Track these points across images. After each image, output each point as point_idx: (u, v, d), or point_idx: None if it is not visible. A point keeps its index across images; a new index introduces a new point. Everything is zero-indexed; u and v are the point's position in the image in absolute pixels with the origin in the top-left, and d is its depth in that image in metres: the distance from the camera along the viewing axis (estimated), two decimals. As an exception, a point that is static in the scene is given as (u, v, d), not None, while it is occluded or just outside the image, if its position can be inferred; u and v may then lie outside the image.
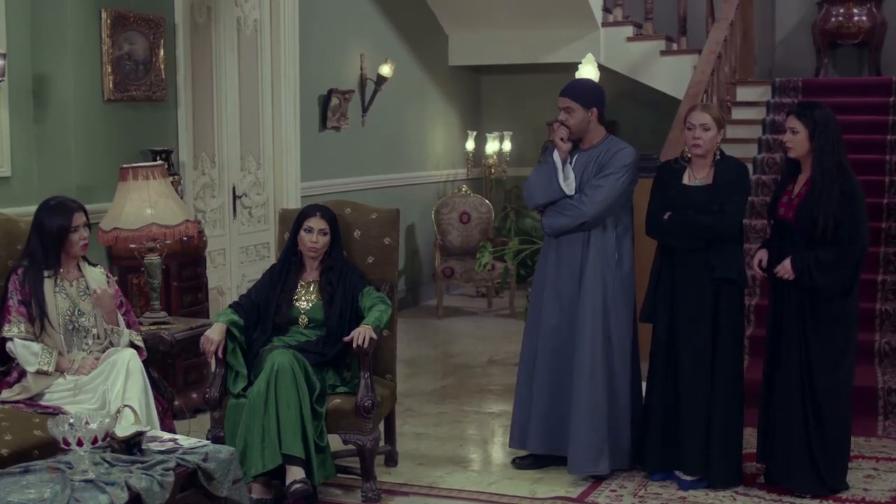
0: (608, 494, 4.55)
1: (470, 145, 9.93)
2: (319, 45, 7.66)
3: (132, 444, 3.54)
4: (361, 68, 8.30)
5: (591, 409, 4.63)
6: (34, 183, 5.36)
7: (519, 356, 4.99)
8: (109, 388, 4.12)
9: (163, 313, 5.05)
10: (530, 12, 9.00)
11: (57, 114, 5.38)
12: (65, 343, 4.29)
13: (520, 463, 4.94)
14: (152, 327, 4.89)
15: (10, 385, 4.22)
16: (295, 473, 4.22)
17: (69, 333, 4.31)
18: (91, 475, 3.30)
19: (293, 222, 4.67)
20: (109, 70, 5.52)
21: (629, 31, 9.04)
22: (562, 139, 4.69)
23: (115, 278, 4.65)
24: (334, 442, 4.50)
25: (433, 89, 9.60)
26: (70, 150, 5.41)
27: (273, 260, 5.83)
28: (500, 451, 5.26)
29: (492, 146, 9.81)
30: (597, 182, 4.64)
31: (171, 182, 5.37)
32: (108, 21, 5.49)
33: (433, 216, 9.17)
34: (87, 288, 4.37)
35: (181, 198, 5.62)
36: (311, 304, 4.59)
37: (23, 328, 4.19)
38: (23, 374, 4.22)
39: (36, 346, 4.19)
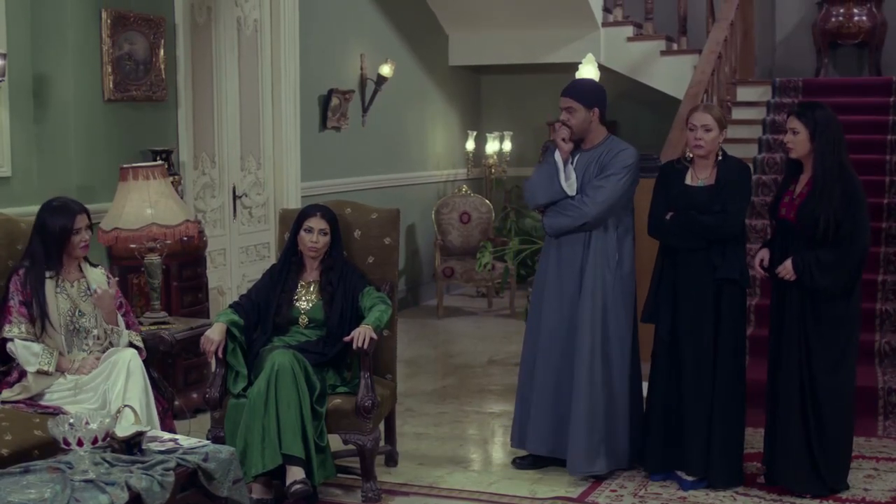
0: (608, 494, 4.55)
1: (470, 145, 9.94)
2: (319, 45, 7.66)
3: (132, 444, 3.54)
4: (361, 68, 8.30)
5: (589, 410, 4.63)
6: (34, 183, 5.36)
7: (520, 356, 4.98)
8: (110, 388, 4.12)
9: (163, 313, 5.05)
10: (530, 12, 9.00)
11: (57, 114, 5.38)
12: (65, 344, 4.29)
13: (520, 463, 4.94)
14: (152, 327, 4.89)
15: (11, 385, 4.22)
16: (295, 473, 4.22)
17: (70, 334, 4.31)
18: (91, 475, 3.30)
19: (293, 222, 4.67)
20: (110, 70, 5.52)
21: (629, 31, 9.04)
22: (563, 139, 4.69)
23: (117, 279, 4.64)
24: (334, 442, 4.50)
25: (433, 89, 9.60)
26: (70, 150, 5.41)
27: (273, 260, 5.83)
28: (500, 451, 5.26)
29: (492, 146, 9.81)
30: (598, 182, 4.64)
31: (172, 182, 5.37)
32: (109, 21, 5.49)
33: (433, 216, 9.17)
34: (88, 288, 4.38)
35: (181, 198, 5.63)
36: (311, 304, 4.59)
37: (23, 328, 4.19)
38: (23, 373, 4.21)
39: (36, 347, 4.19)
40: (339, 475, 4.56)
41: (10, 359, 4.25)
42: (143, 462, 3.44)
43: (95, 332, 4.35)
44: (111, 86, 5.53)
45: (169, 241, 5.02)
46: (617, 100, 8.89)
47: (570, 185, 4.69)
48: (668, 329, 4.60)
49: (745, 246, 4.66)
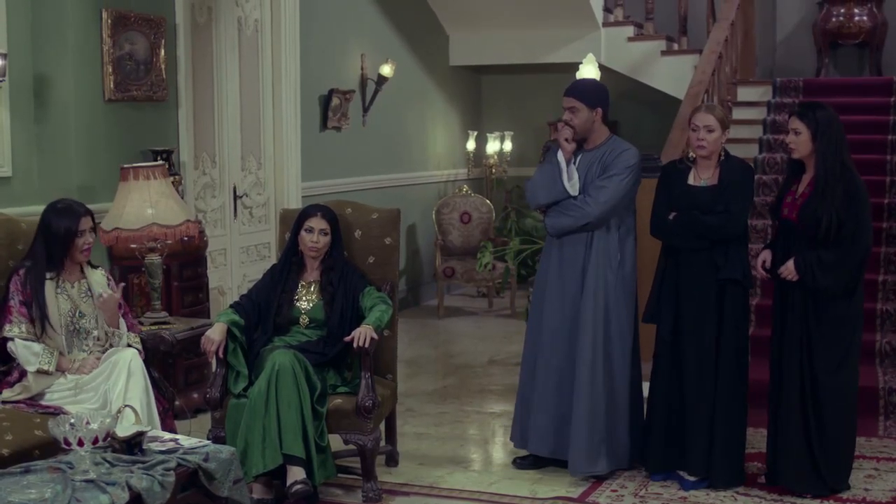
0: (609, 494, 4.55)
1: (471, 145, 9.93)
2: (320, 45, 7.66)
3: (133, 444, 3.54)
4: (362, 68, 8.30)
5: (590, 410, 4.63)
6: (35, 183, 5.36)
7: (520, 356, 4.98)
8: (111, 388, 4.12)
9: (163, 313, 5.06)
10: (531, 12, 9.00)
11: (58, 114, 5.38)
12: (66, 344, 4.29)
13: (520, 463, 4.94)
14: (153, 327, 4.89)
15: (11, 385, 4.22)
16: (296, 473, 4.22)
17: (70, 335, 4.31)
18: (92, 475, 3.30)
19: (294, 222, 4.67)
20: (110, 70, 5.52)
21: (630, 31, 9.04)
22: (566, 139, 4.68)
23: (123, 284, 4.63)
24: (335, 442, 4.50)
25: (434, 89, 9.60)
26: (71, 150, 5.41)
27: (274, 260, 5.83)
28: (500, 451, 5.26)
29: (492, 146, 9.81)
30: (601, 183, 4.63)
31: (172, 182, 5.37)
32: (109, 21, 5.49)
33: (434, 216, 9.17)
34: (89, 290, 4.38)
35: (182, 198, 5.63)
36: (311, 304, 4.59)
37: (24, 328, 4.19)
38: (24, 373, 4.22)
39: (37, 347, 4.19)
40: (339, 475, 4.56)
41: (10, 359, 4.26)
42: (143, 462, 3.44)
43: (96, 332, 4.35)
44: (112, 86, 5.53)
45: (169, 241, 5.02)
46: (617, 100, 8.85)
47: (572, 185, 4.69)
48: (671, 329, 4.60)
49: (747, 246, 4.66)
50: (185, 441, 3.74)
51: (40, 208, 4.94)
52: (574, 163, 4.71)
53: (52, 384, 4.20)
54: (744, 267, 4.53)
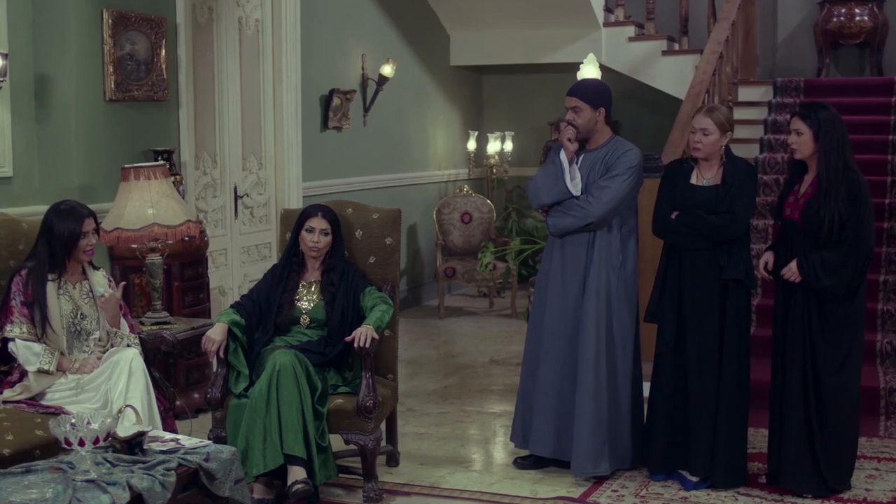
0: (609, 494, 4.55)
1: (471, 145, 9.93)
2: (321, 45, 7.66)
3: (134, 444, 3.54)
4: (363, 68, 8.30)
5: (594, 410, 4.63)
6: (36, 183, 5.36)
7: (521, 356, 4.98)
8: (112, 388, 4.12)
9: (164, 313, 5.06)
10: (532, 12, 9.00)
11: (58, 114, 5.38)
12: (67, 345, 4.29)
13: (521, 463, 4.94)
14: (154, 327, 4.89)
15: (12, 384, 4.22)
16: (296, 473, 4.22)
17: (71, 336, 4.31)
18: (93, 475, 3.30)
19: (295, 222, 4.67)
20: (111, 70, 5.52)
21: (631, 31, 9.04)
22: (569, 139, 4.68)
23: (123, 283, 4.64)
24: (336, 442, 4.50)
25: (435, 89, 9.60)
26: (72, 151, 5.41)
27: (275, 260, 5.83)
28: (501, 451, 5.26)
29: (493, 146, 9.81)
30: (603, 183, 4.63)
31: (173, 182, 5.37)
32: (110, 21, 5.49)
33: (435, 216, 9.17)
34: (91, 291, 4.38)
35: (183, 198, 5.63)
36: (312, 304, 4.59)
37: (25, 329, 4.20)
38: (24, 373, 4.22)
39: (38, 347, 4.19)
40: (340, 475, 4.56)
41: (11, 359, 4.26)
42: (144, 462, 3.45)
43: (97, 333, 4.35)
44: (112, 86, 5.53)
45: (170, 241, 5.02)
46: (618, 100, 8.75)
47: (575, 184, 4.68)
48: (673, 329, 4.59)
49: (749, 246, 4.66)
50: (186, 441, 3.74)
51: (41, 208, 4.94)
52: (576, 163, 4.71)
53: (52, 384, 4.21)
54: (746, 267, 4.53)
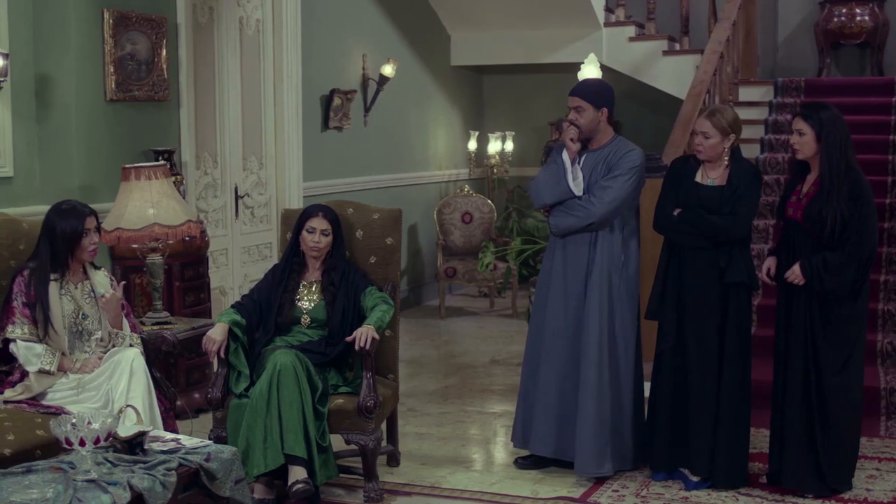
0: (610, 495, 4.55)
1: (472, 145, 9.93)
2: (321, 45, 7.66)
3: (135, 444, 3.54)
4: (363, 68, 8.30)
5: (598, 410, 4.62)
6: (36, 183, 5.37)
7: (522, 356, 4.98)
8: (113, 388, 4.12)
9: (165, 313, 5.06)
10: (532, 12, 9.00)
11: (59, 114, 5.38)
12: (68, 346, 4.29)
13: (522, 463, 4.94)
14: (154, 327, 4.89)
15: (13, 385, 4.22)
16: (297, 473, 4.22)
17: (73, 336, 4.31)
18: (93, 475, 3.30)
19: (295, 222, 4.67)
20: (112, 70, 5.52)
21: (631, 30, 9.04)
22: (572, 139, 4.68)
23: (123, 283, 4.64)
24: (336, 442, 4.50)
25: (435, 89, 9.60)
26: (72, 151, 5.41)
27: (275, 260, 5.83)
28: (502, 451, 5.26)
29: (494, 146, 9.81)
30: (605, 183, 4.63)
31: (174, 182, 5.37)
32: (111, 21, 5.49)
33: (435, 216, 9.17)
34: (92, 291, 4.38)
35: (183, 198, 5.63)
36: (313, 304, 4.59)
37: (26, 329, 4.20)
38: (25, 373, 4.22)
39: (39, 348, 4.19)
40: (341, 475, 4.56)
41: (12, 359, 4.26)
42: (145, 462, 3.45)
43: (99, 334, 4.35)
44: (113, 86, 5.53)
45: (171, 241, 5.02)
46: (619, 100, 8.71)
47: (577, 184, 4.68)
48: (674, 328, 4.59)
49: (750, 248, 4.66)
50: (187, 441, 3.74)
51: (42, 208, 4.94)
52: (578, 163, 4.71)
53: (53, 384, 4.21)
54: (748, 269, 4.53)
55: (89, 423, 3.35)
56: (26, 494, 3.17)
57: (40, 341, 4.20)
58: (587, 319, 4.66)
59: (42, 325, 4.20)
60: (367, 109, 8.37)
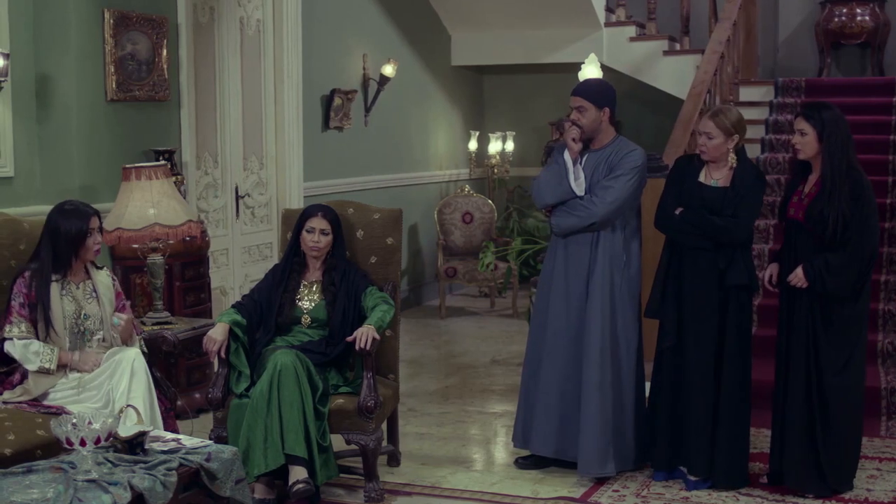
0: (611, 495, 4.55)
1: (472, 145, 9.93)
2: (322, 45, 7.66)
3: (135, 444, 3.54)
4: (364, 68, 8.30)
5: (599, 411, 4.62)
6: (37, 183, 5.37)
7: (523, 356, 4.98)
8: (114, 387, 4.12)
9: (165, 313, 5.06)
10: (533, 12, 9.00)
11: (60, 114, 5.38)
12: (70, 346, 4.28)
13: (522, 463, 4.94)
14: (155, 327, 4.90)
15: (13, 386, 4.22)
16: (298, 473, 4.22)
17: (74, 337, 4.30)
18: (94, 475, 3.30)
19: (295, 222, 4.67)
20: (112, 70, 5.52)
21: (632, 30, 9.04)
22: (574, 139, 4.68)
23: (128, 302, 4.62)
24: (337, 442, 4.50)
25: (436, 89, 9.60)
26: (73, 151, 5.41)
27: (276, 260, 5.83)
28: (502, 451, 5.26)
29: (494, 146, 9.81)
30: (607, 183, 4.63)
31: (174, 182, 5.37)
32: (111, 21, 5.49)
33: (436, 216, 9.17)
34: (94, 290, 4.38)
35: (184, 198, 5.63)
36: (313, 304, 4.59)
37: (23, 327, 4.19)
38: (25, 376, 4.21)
39: (36, 345, 4.18)
40: (341, 475, 4.56)
41: (12, 360, 4.25)
42: (145, 462, 3.45)
43: (100, 334, 4.34)
44: (114, 86, 5.53)
45: (171, 241, 5.02)
46: (619, 100, 8.75)
47: (578, 184, 4.68)
48: (674, 329, 4.58)
49: (751, 250, 4.65)
50: (188, 441, 3.74)
51: (42, 208, 4.95)
52: (580, 163, 4.71)
53: (53, 384, 4.20)
54: (749, 271, 4.52)
55: (90, 423, 3.35)
56: (27, 494, 3.17)
57: (37, 338, 4.19)
58: (589, 319, 4.66)
59: (43, 327, 4.20)
60: (367, 109, 8.37)
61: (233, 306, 4.60)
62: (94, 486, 3.25)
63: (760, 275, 4.83)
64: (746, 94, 8.44)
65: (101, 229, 4.39)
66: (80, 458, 3.35)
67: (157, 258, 5.00)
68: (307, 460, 4.23)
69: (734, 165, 4.54)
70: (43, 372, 4.18)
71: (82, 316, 4.32)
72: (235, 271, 6.79)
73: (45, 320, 4.20)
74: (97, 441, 3.35)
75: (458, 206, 9.20)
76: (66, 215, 4.28)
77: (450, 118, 9.90)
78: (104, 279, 4.44)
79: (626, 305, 4.70)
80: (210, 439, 4.17)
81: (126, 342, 4.36)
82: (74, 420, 3.37)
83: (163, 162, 5.45)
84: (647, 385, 4.78)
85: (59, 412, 3.95)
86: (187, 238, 5.18)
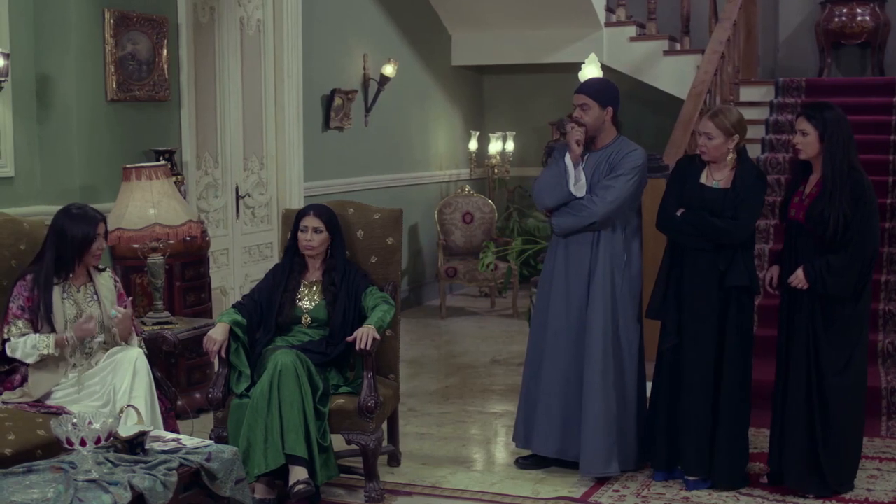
0: (611, 495, 4.55)
1: (473, 145, 9.93)
2: (322, 45, 7.66)
3: (135, 444, 3.55)
4: (364, 68, 8.30)
5: (603, 410, 4.62)
6: (37, 183, 5.37)
7: (523, 356, 4.98)
8: (116, 387, 4.12)
9: (166, 313, 5.06)
10: (533, 12, 9.00)
11: (60, 114, 5.38)
12: (70, 349, 4.28)
13: (522, 463, 4.93)
14: (155, 327, 4.90)
15: (13, 387, 4.22)
16: (298, 473, 4.22)
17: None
18: (94, 475, 3.30)
19: (293, 223, 4.67)
20: (112, 70, 5.52)
21: (632, 30, 9.04)
22: (577, 141, 4.66)
23: (131, 298, 4.62)
24: (337, 442, 4.50)
25: (436, 89, 9.60)
26: (73, 151, 5.41)
27: (276, 260, 5.82)
28: (503, 451, 5.26)
29: (495, 146, 9.81)
30: (608, 182, 4.63)
31: (175, 182, 5.37)
32: (112, 21, 5.50)
33: (436, 216, 9.17)
34: (95, 293, 4.37)
35: (184, 198, 5.63)
36: (314, 304, 4.59)
37: (21, 325, 4.18)
38: (25, 378, 4.21)
39: (32, 338, 4.15)
40: (341, 475, 4.56)
41: (13, 360, 4.24)
42: (146, 462, 3.45)
43: (101, 337, 4.33)
44: (114, 86, 5.53)
45: (172, 241, 5.02)
46: (620, 100, 8.87)
47: (578, 188, 4.67)
48: (675, 327, 4.58)
49: (752, 251, 4.65)
50: (188, 441, 3.74)
51: (42, 208, 4.95)
52: (581, 164, 4.70)
53: (53, 385, 4.19)
54: (750, 272, 4.52)
55: (90, 422, 3.35)
56: (27, 494, 3.17)
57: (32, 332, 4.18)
58: (590, 319, 4.66)
59: (45, 330, 4.19)
60: (367, 109, 8.37)
61: (233, 306, 4.60)
62: (95, 486, 3.25)
63: (761, 276, 4.83)
64: (747, 94, 8.44)
65: (106, 234, 4.39)
66: (81, 458, 3.35)
67: (157, 258, 5.00)
68: (307, 460, 4.23)
69: (735, 166, 4.54)
70: (44, 359, 4.14)
71: (83, 318, 4.31)
72: (236, 271, 6.79)
73: (48, 323, 4.19)
74: (97, 441, 3.35)
75: (459, 206, 9.20)
76: (74, 219, 4.26)
77: (450, 118, 9.90)
78: (106, 281, 4.43)
79: (626, 305, 4.70)
80: (210, 439, 4.17)
81: (125, 338, 4.35)
82: (74, 420, 3.37)
83: (163, 162, 5.45)
84: (649, 385, 4.78)
85: (59, 412, 3.95)
86: (187, 238, 5.18)
